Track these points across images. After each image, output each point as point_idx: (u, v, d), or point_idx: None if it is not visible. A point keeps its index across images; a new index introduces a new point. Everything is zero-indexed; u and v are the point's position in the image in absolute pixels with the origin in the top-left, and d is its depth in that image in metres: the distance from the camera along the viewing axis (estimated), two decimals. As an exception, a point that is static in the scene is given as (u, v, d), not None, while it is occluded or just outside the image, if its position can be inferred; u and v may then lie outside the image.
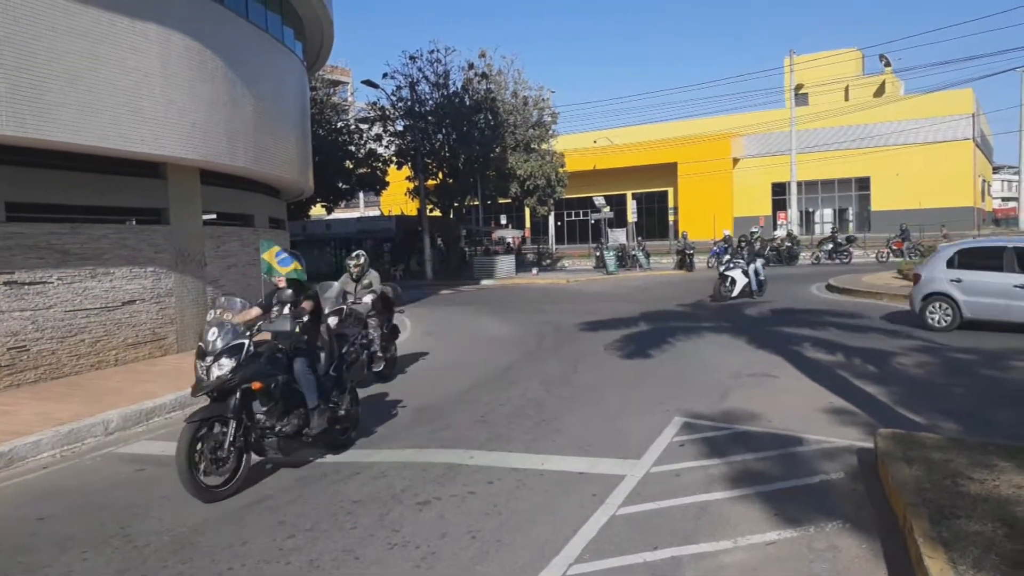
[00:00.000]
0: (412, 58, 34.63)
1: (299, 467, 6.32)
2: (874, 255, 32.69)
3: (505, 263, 33.37)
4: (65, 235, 10.48)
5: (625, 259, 33.39)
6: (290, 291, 6.65)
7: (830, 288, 19.79)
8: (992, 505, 4.30)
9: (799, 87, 48.05)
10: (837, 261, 31.84)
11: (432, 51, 34.86)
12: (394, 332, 10.63)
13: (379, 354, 9.83)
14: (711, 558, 4.27)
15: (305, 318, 6.44)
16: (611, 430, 7.03)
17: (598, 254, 34.20)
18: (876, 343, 11.01)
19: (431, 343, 13.77)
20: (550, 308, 18.65)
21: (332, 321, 8.50)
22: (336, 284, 9.62)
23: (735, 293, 17.76)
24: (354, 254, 10.25)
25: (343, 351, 7.06)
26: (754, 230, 19.95)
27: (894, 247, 31.36)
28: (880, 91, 51.48)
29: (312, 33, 19.31)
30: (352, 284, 10.03)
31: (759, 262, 18.59)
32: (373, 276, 10.13)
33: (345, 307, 9.17)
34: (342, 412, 6.69)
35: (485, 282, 30.36)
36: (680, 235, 33.95)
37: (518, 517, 4.98)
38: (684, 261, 31.51)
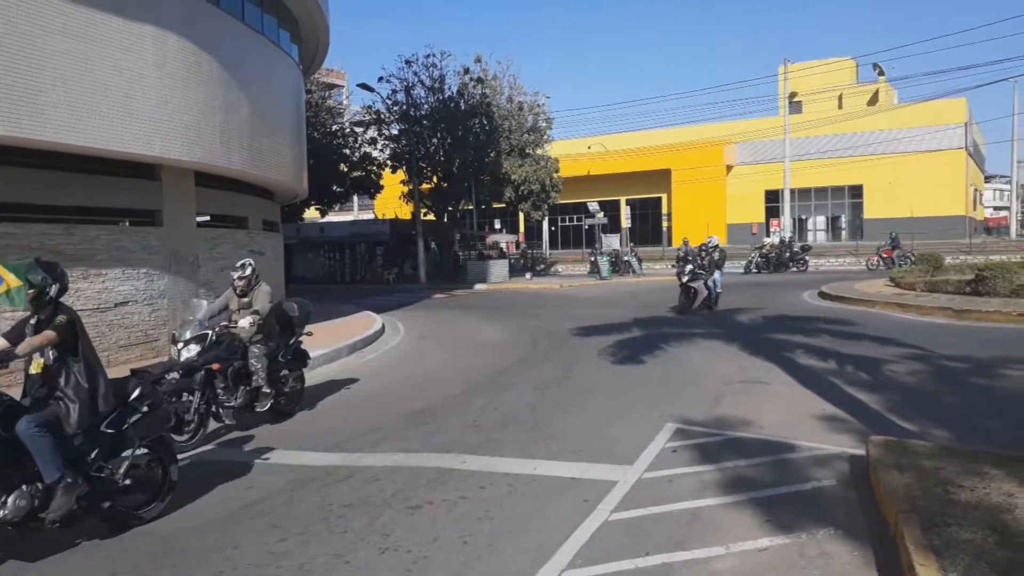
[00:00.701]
0: (407, 62, 34.67)
1: (292, 471, 6.30)
2: (864, 262, 32.85)
3: (499, 267, 33.37)
4: (58, 236, 10.44)
5: (619, 265, 33.44)
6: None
7: (822, 295, 19.84)
8: (983, 513, 4.31)
9: (793, 95, 48.35)
10: (794, 269, 32.19)
11: (428, 55, 34.91)
12: (299, 359, 8.87)
13: (265, 389, 7.88)
14: (703, 564, 4.27)
15: (45, 356, 4.87)
16: (604, 435, 7.03)
17: (592, 259, 34.22)
18: (868, 350, 11.03)
19: (424, 346, 13.77)
20: (543, 313, 18.65)
21: (194, 349, 7.32)
22: (205, 303, 8.16)
23: (696, 305, 17.01)
24: (238, 264, 8.29)
25: (132, 396, 5.29)
26: (709, 239, 18.99)
27: (884, 255, 31.58)
28: (874, 100, 51.76)
29: (308, 36, 19.31)
30: (237, 301, 8.19)
31: (717, 273, 17.78)
32: (261, 292, 8.13)
33: (212, 332, 7.58)
34: (122, 481, 5.04)
35: (479, 286, 30.35)
36: (682, 241, 34.02)
37: (510, 522, 4.98)
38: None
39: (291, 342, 8.66)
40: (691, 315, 16.44)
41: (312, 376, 10.91)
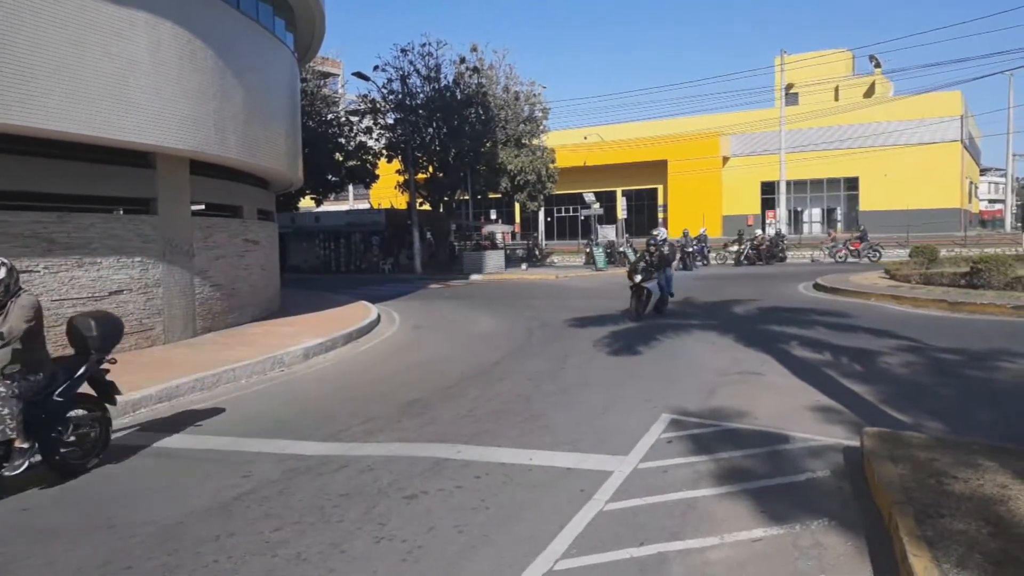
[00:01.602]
0: (403, 51, 34.59)
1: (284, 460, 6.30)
2: (828, 253, 33.52)
3: (494, 258, 33.36)
4: (52, 224, 10.38)
5: (614, 256, 33.41)
6: None
7: (818, 287, 19.90)
8: (976, 504, 4.33)
9: (789, 87, 48.30)
10: (745, 263, 32.26)
11: (423, 44, 34.82)
12: (103, 393, 6.50)
13: (19, 444, 5.61)
14: (697, 554, 4.28)
15: None
16: (599, 426, 7.03)
17: (588, 251, 34.18)
18: (862, 342, 11.07)
19: (419, 337, 13.76)
20: (539, 303, 18.65)
21: None
22: None
23: (650, 308, 15.20)
24: None
25: None
26: (657, 232, 17.00)
27: (851, 247, 32.39)
28: (870, 92, 51.76)
29: (303, 24, 19.19)
30: None
31: (669, 271, 16.02)
32: (17, 307, 5.67)
33: None
34: None
35: (474, 277, 30.33)
36: (682, 233, 33.98)
37: (505, 512, 4.98)
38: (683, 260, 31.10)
39: (80, 372, 6.18)
40: (688, 306, 16.08)
41: (303, 370, 10.91)
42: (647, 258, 15.38)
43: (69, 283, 10.55)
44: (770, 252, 32.79)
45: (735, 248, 33.13)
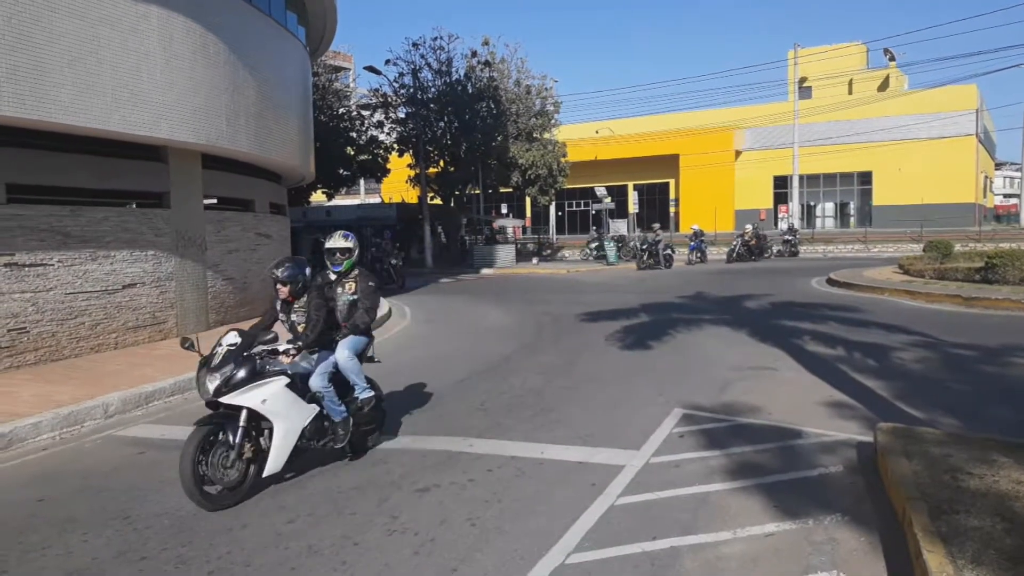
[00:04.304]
0: (415, 45, 34.54)
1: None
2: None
3: (505, 252, 33.34)
4: (66, 217, 10.45)
5: (624, 250, 33.24)
6: None
7: (831, 282, 19.79)
8: (991, 500, 4.30)
9: (803, 80, 47.98)
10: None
11: (435, 38, 34.79)
12: None
13: None
14: (710, 549, 4.27)
15: None
16: (611, 420, 7.03)
17: (596, 244, 33.64)
18: (876, 338, 11.00)
19: (430, 331, 13.78)
20: (550, 298, 18.64)
21: None
22: None
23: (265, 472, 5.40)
24: None
25: None
26: (342, 235, 6.41)
27: (751, 244, 32.62)
28: (884, 85, 51.33)
29: (315, 18, 19.22)
30: None
31: (345, 351, 5.98)
32: None
33: None
34: None
35: (485, 271, 30.35)
36: (644, 232, 33.69)
37: (518, 505, 4.99)
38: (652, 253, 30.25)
39: None
40: (701, 300, 16.02)
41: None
42: (282, 312, 6.03)
43: (83, 276, 10.62)
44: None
45: (595, 245, 32.16)
